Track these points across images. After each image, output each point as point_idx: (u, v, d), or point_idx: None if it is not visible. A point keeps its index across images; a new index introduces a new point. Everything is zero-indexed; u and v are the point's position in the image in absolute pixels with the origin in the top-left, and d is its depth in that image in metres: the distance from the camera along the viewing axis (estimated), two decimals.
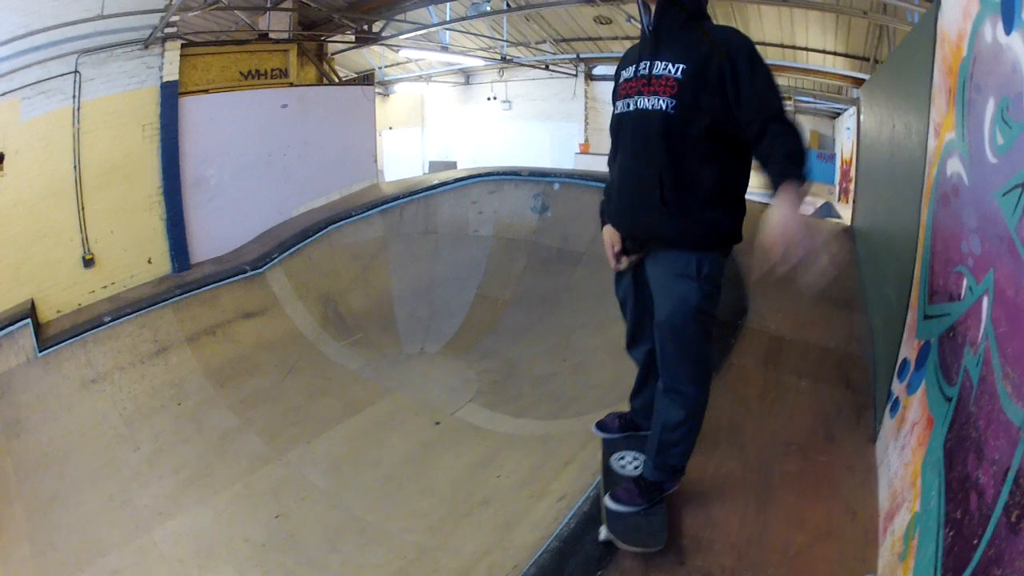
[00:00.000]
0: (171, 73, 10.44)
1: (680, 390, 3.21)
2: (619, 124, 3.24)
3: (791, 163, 2.69)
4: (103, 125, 9.76)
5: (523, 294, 9.25)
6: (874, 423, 4.33)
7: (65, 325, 8.51)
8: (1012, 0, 2.26)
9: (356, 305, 9.69)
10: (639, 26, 3.27)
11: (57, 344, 8.03)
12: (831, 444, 4.25)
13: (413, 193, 11.12)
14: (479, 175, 11.22)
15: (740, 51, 2.88)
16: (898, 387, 3.78)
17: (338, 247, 10.46)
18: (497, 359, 8.03)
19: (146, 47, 10.07)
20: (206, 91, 11.23)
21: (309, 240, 10.36)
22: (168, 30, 10.17)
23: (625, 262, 3.40)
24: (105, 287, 9.76)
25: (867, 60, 16.24)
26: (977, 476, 2.18)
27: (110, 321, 8.40)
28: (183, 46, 10.78)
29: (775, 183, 2.68)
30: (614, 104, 3.31)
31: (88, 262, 9.63)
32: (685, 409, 3.22)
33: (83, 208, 9.60)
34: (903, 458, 3.27)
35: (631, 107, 3.12)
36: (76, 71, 9.39)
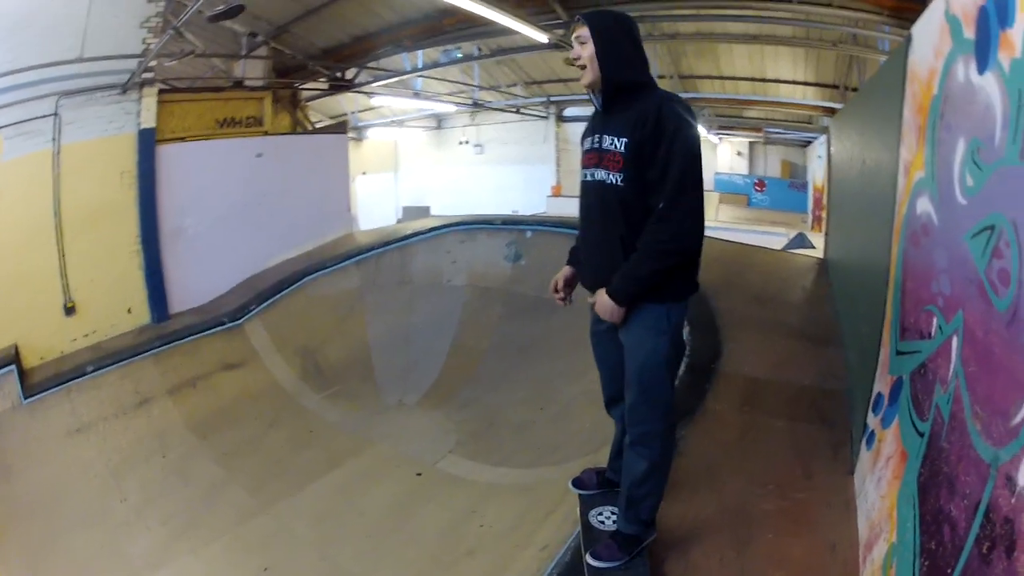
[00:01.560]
0: (148, 120, 10.40)
1: (648, 443, 3.30)
2: (584, 191, 3.46)
3: (626, 282, 3.16)
4: (82, 170, 9.69)
5: (499, 343, 9.22)
6: (851, 456, 4.36)
7: (49, 373, 8.40)
8: (987, 40, 2.28)
9: (334, 357, 9.65)
10: None
11: (42, 392, 7.96)
12: (809, 481, 4.28)
13: (387, 243, 11.10)
14: (451, 224, 11.22)
15: (668, 124, 3.08)
16: (873, 421, 3.82)
17: (315, 298, 10.44)
18: (476, 409, 8.01)
19: (124, 92, 10.04)
20: (183, 139, 11.18)
21: (286, 291, 10.31)
22: (146, 75, 10.16)
23: (562, 296, 3.78)
24: (87, 335, 9.65)
25: (837, 88, 16.52)
26: (950, 509, 2.22)
27: (92, 371, 8.33)
28: (160, 92, 10.76)
29: (611, 286, 3.20)
30: (581, 170, 3.51)
31: (69, 310, 9.54)
32: (651, 462, 3.31)
33: (64, 255, 9.51)
34: (880, 490, 3.31)
35: (591, 177, 3.34)
36: (56, 113, 9.34)
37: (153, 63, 10.17)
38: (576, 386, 7.38)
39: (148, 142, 10.44)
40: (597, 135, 3.30)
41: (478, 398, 8.20)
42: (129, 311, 10.26)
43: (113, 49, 9.61)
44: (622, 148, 3.13)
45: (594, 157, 3.30)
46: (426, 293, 10.55)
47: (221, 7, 8.14)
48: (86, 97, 9.69)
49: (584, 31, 3.25)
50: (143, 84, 10.26)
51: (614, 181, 3.17)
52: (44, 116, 9.27)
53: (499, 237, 10.69)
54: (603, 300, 3.20)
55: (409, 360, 9.48)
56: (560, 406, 7.30)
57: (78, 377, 8.25)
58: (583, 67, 3.27)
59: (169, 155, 10.78)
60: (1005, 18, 2.07)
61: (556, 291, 3.77)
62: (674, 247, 3.08)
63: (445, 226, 11.24)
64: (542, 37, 10.98)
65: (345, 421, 8.24)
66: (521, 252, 10.25)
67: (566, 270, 3.76)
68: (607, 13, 3.39)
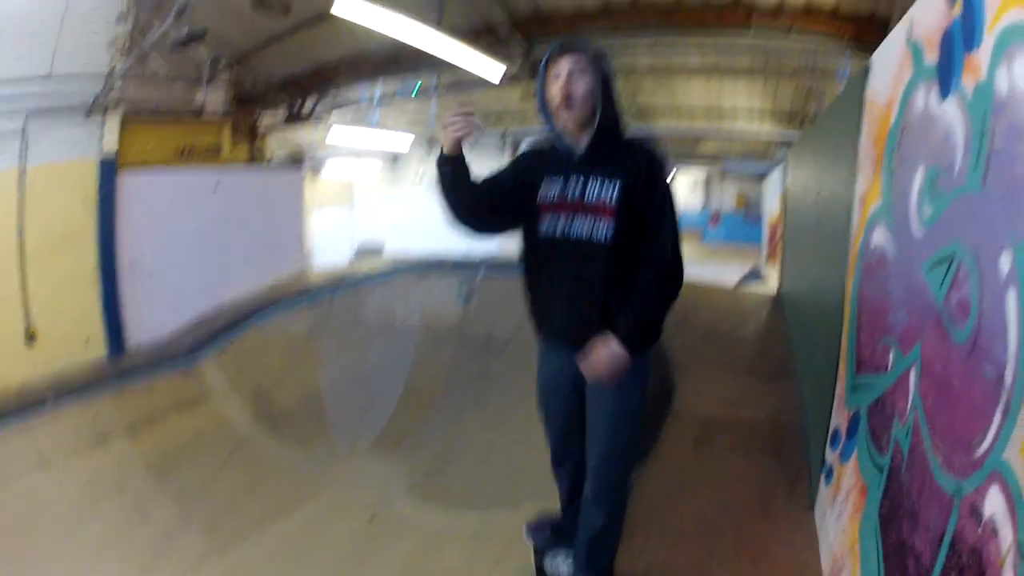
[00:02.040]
0: (111, 144, 10.27)
1: (611, 495, 3.24)
2: (548, 244, 3.11)
3: (640, 330, 2.96)
4: (46, 193, 9.55)
5: (452, 384, 9.13)
6: (810, 490, 4.35)
7: (10, 402, 8.18)
8: (951, 64, 2.27)
9: (287, 398, 9.53)
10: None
11: (2, 421, 7.73)
12: (767, 517, 4.26)
13: (340, 284, 11.09)
14: (404, 265, 11.25)
15: (661, 174, 3.01)
16: (831, 455, 3.81)
17: (269, 339, 10.32)
18: (429, 451, 7.95)
19: (88, 115, 9.92)
20: (143, 167, 11.05)
21: (240, 330, 10.18)
22: (110, 97, 10.05)
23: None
24: (47, 364, 9.33)
25: (795, 118, 16.68)
26: (913, 541, 2.21)
27: (53, 403, 8.14)
28: (123, 116, 10.63)
29: (620, 335, 2.90)
30: (537, 216, 3.14)
31: (31, 337, 9.42)
32: (612, 513, 3.26)
33: (26, 280, 9.37)
34: (841, 523, 3.29)
35: (564, 228, 3.04)
36: (23, 131, 9.23)
37: (118, 85, 10.08)
38: (528, 426, 7.35)
39: (110, 169, 10.33)
40: (574, 183, 3.02)
41: (431, 441, 8.15)
42: (87, 342, 10.10)
43: (81, 69, 9.56)
44: (615, 194, 2.93)
45: (568, 206, 3.03)
46: (379, 335, 10.50)
47: (185, 30, 8.11)
48: (53, 117, 9.59)
49: (582, 62, 2.98)
50: (107, 107, 10.17)
51: (603, 230, 2.94)
52: (11, 132, 9.19)
53: (451, 278, 10.72)
54: (611, 350, 2.89)
55: (363, 402, 9.41)
56: (513, 446, 7.27)
57: (39, 408, 8.05)
58: (573, 102, 2.95)
59: (130, 183, 10.66)
60: (971, 40, 2.07)
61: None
62: (675, 291, 3.00)
63: (397, 267, 11.25)
64: (497, 73, 11.00)
65: (300, 464, 8.14)
66: (473, 293, 10.25)
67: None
68: (599, 45, 3.21)
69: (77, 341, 9.94)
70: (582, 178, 3.00)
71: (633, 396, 3.09)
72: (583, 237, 2.98)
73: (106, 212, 10.23)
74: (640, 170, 2.93)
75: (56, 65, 9.20)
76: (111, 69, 9.67)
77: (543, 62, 3.06)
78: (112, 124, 10.25)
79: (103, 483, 7.51)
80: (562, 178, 3.06)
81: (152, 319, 10.77)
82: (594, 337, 2.97)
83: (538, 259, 3.19)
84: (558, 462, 3.59)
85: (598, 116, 2.95)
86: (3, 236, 9.20)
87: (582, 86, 2.93)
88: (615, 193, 2.92)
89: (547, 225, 3.09)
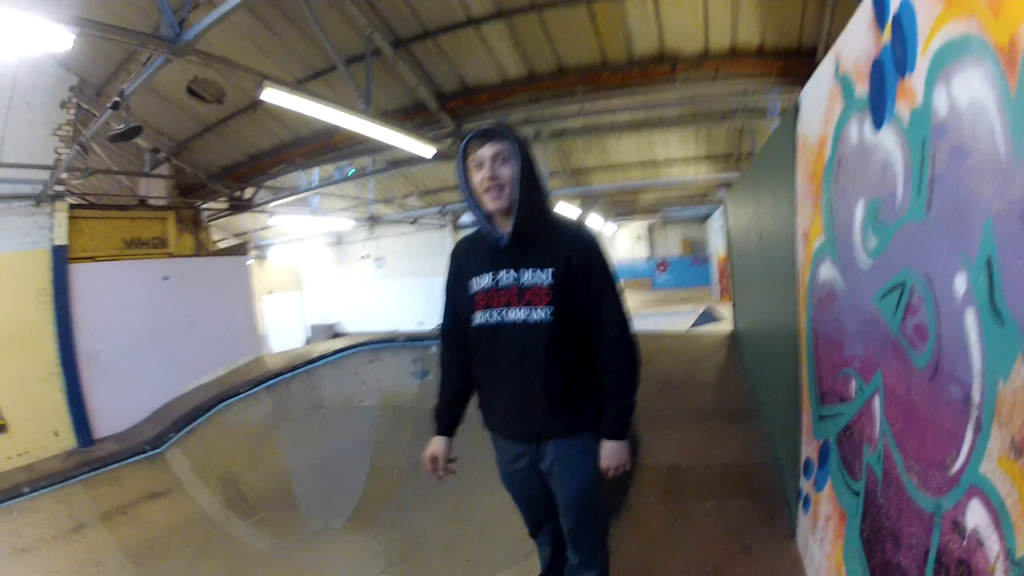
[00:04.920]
0: (61, 236, 10.27)
1: (594, 559, 3.26)
2: (485, 335, 3.08)
3: (624, 415, 3.05)
4: (1, 285, 9.59)
5: (416, 461, 9.01)
6: (790, 520, 4.40)
7: None
8: (883, 93, 2.29)
9: (256, 484, 9.42)
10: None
11: None
12: (749, 554, 4.27)
13: (295, 367, 11.01)
14: (356, 345, 11.20)
15: (595, 253, 3.00)
16: (806, 484, 3.86)
17: (230, 426, 10.22)
18: (401, 529, 7.89)
19: (38, 204, 9.94)
20: (93, 258, 11.06)
21: (201, 419, 10.07)
22: (57, 188, 10.06)
23: (442, 474, 3.38)
24: (20, 455, 9.47)
25: (731, 157, 17.03)
26: (899, 560, 2.26)
27: (29, 492, 8.15)
28: (71, 207, 10.67)
29: (608, 432, 3.02)
30: (467, 313, 3.16)
31: (1, 427, 9.38)
32: (601, 572, 3.29)
33: None
34: (824, 549, 3.34)
35: (499, 318, 3.01)
36: None
37: (64, 175, 10.09)
38: (496, 497, 7.32)
39: (61, 260, 10.33)
40: (507, 271, 2.99)
41: (402, 518, 8.09)
42: (56, 434, 10.06)
43: (28, 157, 9.59)
44: (548, 279, 2.91)
45: (502, 295, 2.99)
46: (339, 416, 10.44)
47: (121, 126, 8.14)
48: (5, 205, 9.62)
49: (504, 147, 2.95)
50: (55, 197, 10.18)
51: (540, 318, 2.91)
52: None
53: (404, 354, 10.69)
54: (610, 450, 2.99)
55: (329, 484, 9.34)
56: (484, 517, 7.23)
57: (16, 497, 8.07)
58: (500, 188, 2.93)
59: (81, 275, 10.69)
60: (904, 64, 2.10)
61: (435, 470, 3.35)
62: (638, 370, 3.05)
63: (350, 347, 11.21)
64: (429, 151, 11.12)
65: (274, 549, 8.04)
66: (427, 368, 10.24)
67: (441, 445, 3.35)
68: (516, 130, 3.08)
69: (47, 433, 9.93)
70: (511, 267, 2.99)
71: (587, 468, 3.06)
72: (520, 326, 2.96)
73: (62, 304, 10.26)
74: (572, 254, 2.93)
75: (3, 153, 9.28)
76: (57, 159, 9.70)
77: (461, 150, 3.03)
78: (61, 216, 10.28)
79: (83, 572, 7.48)
80: (488, 271, 3.05)
81: (115, 412, 10.79)
82: (539, 425, 3.06)
83: (477, 352, 3.16)
84: (534, 532, 3.57)
85: (518, 201, 2.93)
86: None
87: (505, 172, 2.93)
88: (549, 278, 2.92)
89: (481, 316, 3.07)
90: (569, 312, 2.93)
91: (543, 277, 2.91)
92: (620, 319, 2.99)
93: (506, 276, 2.98)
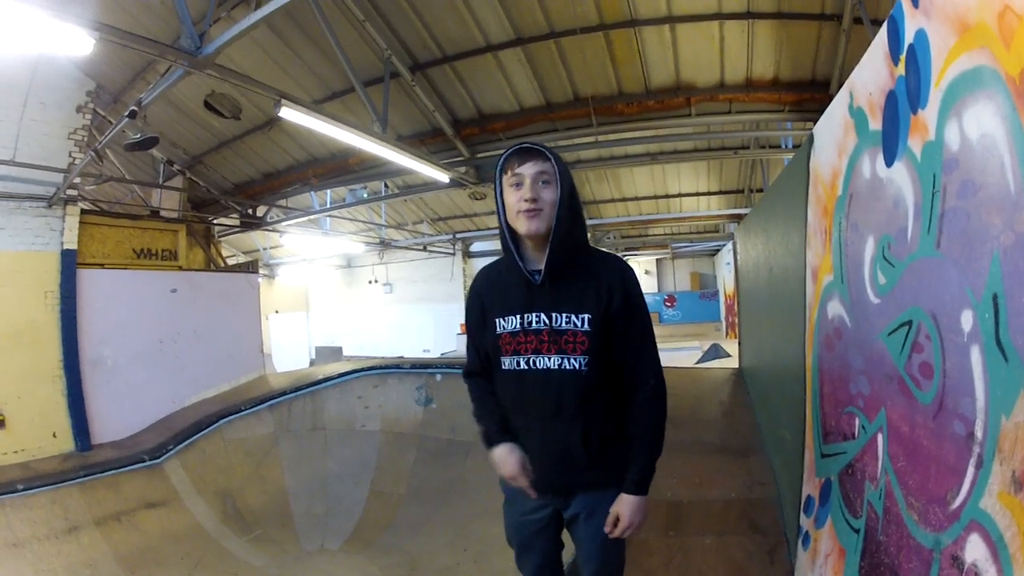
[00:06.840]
0: (71, 240, 10.32)
1: None
2: (513, 382, 2.82)
3: (649, 470, 2.78)
4: (9, 283, 9.63)
5: (417, 487, 9.07)
6: (788, 557, 4.37)
7: None
8: (896, 128, 2.26)
9: (253, 501, 9.41)
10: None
11: None
12: None
13: (299, 388, 11.00)
14: (362, 369, 11.19)
15: (635, 294, 2.82)
16: (806, 522, 3.83)
17: (231, 442, 10.22)
18: (398, 554, 7.85)
19: (50, 206, 9.97)
20: (102, 265, 11.15)
21: (202, 434, 10.09)
22: (70, 191, 10.10)
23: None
24: (16, 452, 9.50)
25: (742, 192, 17.01)
26: None
27: (23, 490, 8.18)
28: (82, 212, 10.70)
29: (633, 489, 2.74)
30: (495, 355, 2.89)
31: (0, 423, 9.41)
32: None
33: None
34: None
35: (529, 365, 2.75)
36: None
37: (77, 180, 10.16)
38: (495, 527, 7.28)
39: (70, 263, 10.38)
40: (538, 313, 2.72)
41: (400, 543, 8.06)
42: (54, 435, 10.06)
43: (42, 158, 9.65)
44: (584, 326, 2.67)
45: (531, 340, 2.73)
46: (341, 438, 10.42)
47: (137, 136, 8.16)
48: (16, 204, 9.66)
49: (548, 167, 2.67)
50: (67, 201, 10.21)
51: (575, 367, 2.67)
52: None
53: (409, 381, 10.67)
54: (633, 506, 2.72)
55: (328, 506, 9.32)
56: (481, 547, 7.19)
57: (10, 493, 8.10)
58: (538, 211, 2.64)
59: (90, 280, 10.74)
60: (917, 100, 2.08)
61: (527, 474, 2.81)
62: (665, 408, 2.82)
63: (355, 371, 11.19)
64: (444, 177, 11.16)
65: (269, 566, 8.01)
66: (432, 396, 10.23)
67: (513, 451, 2.84)
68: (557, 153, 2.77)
69: (45, 434, 9.96)
70: (544, 310, 2.73)
71: None
72: (554, 374, 2.71)
73: (68, 307, 10.31)
74: (613, 295, 2.70)
75: (18, 152, 9.34)
76: (71, 162, 9.78)
77: (499, 166, 2.76)
78: (72, 220, 10.34)
79: (75, 573, 7.47)
80: (522, 308, 2.78)
81: (116, 419, 10.83)
82: (574, 478, 2.85)
83: (506, 397, 2.92)
84: None
85: (555, 230, 2.65)
86: None
87: (547, 195, 2.66)
88: (586, 325, 2.68)
89: (509, 361, 2.82)
90: (606, 361, 2.72)
91: (579, 323, 2.68)
92: (657, 369, 2.80)
93: (537, 319, 2.72)
